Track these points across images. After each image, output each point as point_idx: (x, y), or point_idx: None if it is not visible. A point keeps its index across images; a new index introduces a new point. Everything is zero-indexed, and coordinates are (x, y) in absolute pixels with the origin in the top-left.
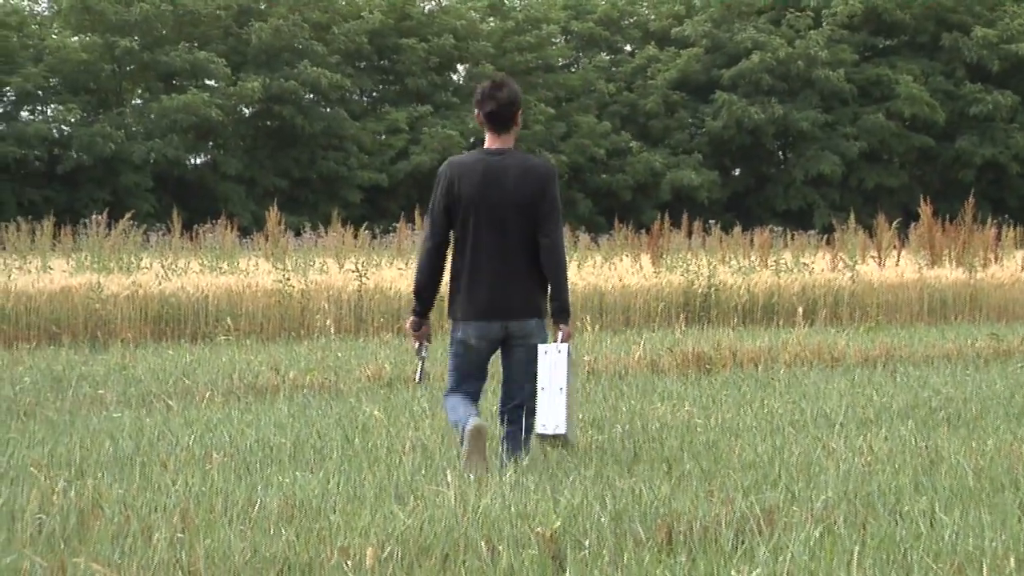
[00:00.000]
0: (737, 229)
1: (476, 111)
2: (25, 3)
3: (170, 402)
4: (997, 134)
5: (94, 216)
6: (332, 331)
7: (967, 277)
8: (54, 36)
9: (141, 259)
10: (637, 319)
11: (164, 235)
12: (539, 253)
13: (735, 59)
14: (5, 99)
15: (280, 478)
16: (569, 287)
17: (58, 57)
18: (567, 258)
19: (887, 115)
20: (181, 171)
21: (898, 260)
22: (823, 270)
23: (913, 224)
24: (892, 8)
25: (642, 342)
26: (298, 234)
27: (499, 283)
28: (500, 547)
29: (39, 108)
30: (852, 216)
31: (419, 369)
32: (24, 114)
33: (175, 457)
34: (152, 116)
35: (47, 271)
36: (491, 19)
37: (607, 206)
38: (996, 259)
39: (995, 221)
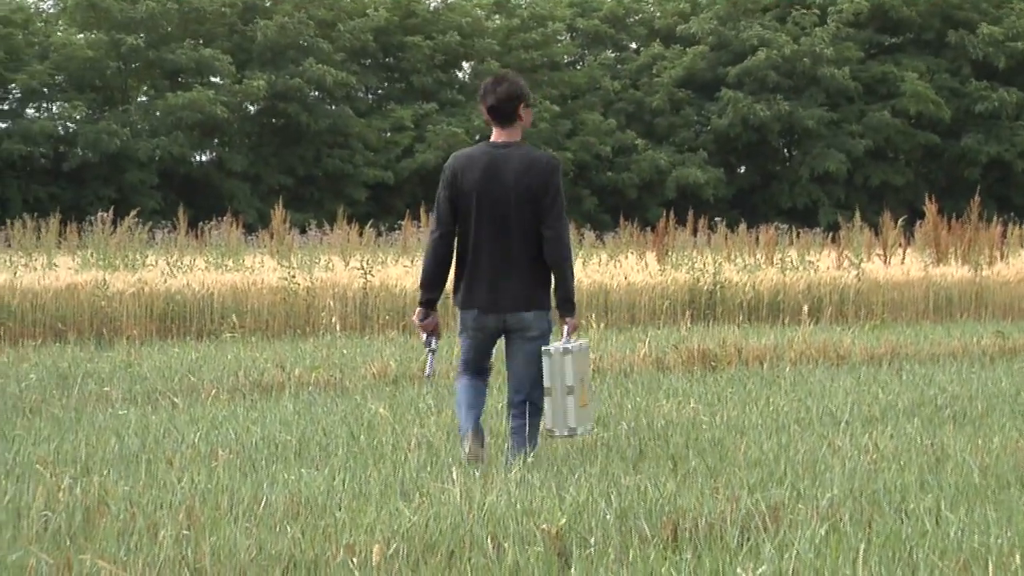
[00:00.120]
0: (742, 227)
1: (481, 106)
2: (31, 0)
3: (176, 399)
4: (1003, 131)
5: (100, 213)
6: (337, 328)
7: (973, 275)
8: (59, 33)
9: (147, 256)
10: (642, 317)
11: (169, 232)
12: (543, 246)
13: (741, 56)
14: (11, 96)
15: (286, 475)
16: (575, 280)
17: (63, 54)
18: (572, 252)
19: (893, 113)
20: (186, 168)
21: (903, 258)
22: (828, 268)
23: (918, 222)
24: (898, 5)
25: (647, 340)
26: (303, 231)
27: (498, 275)
28: (506, 544)
29: (44, 105)
30: (857, 214)
31: (427, 362)
32: (30, 111)
33: (181, 454)
34: (157, 113)
35: (53, 268)
36: (496, 16)
37: (612, 204)
38: (1002, 257)
39: (1001, 219)
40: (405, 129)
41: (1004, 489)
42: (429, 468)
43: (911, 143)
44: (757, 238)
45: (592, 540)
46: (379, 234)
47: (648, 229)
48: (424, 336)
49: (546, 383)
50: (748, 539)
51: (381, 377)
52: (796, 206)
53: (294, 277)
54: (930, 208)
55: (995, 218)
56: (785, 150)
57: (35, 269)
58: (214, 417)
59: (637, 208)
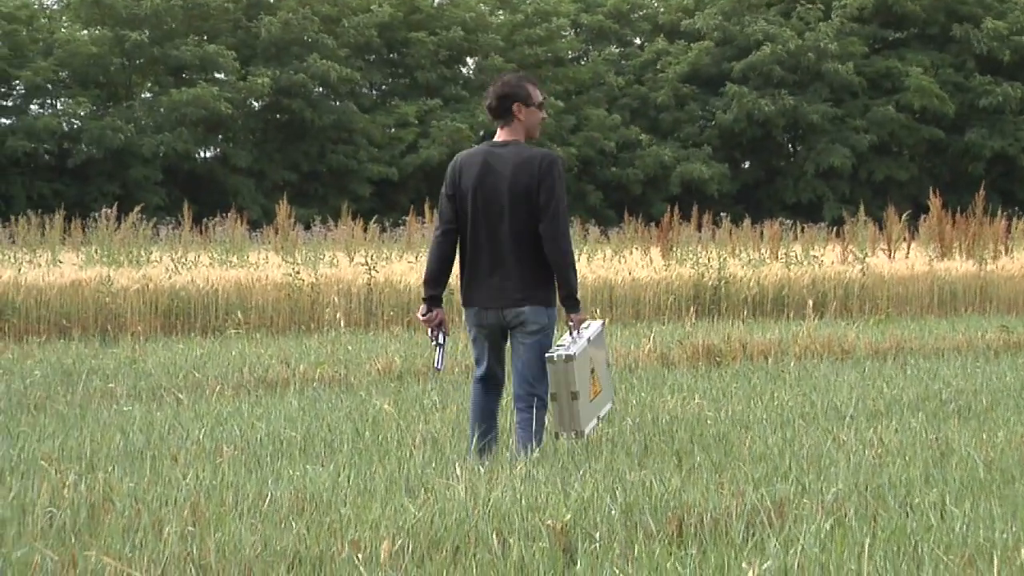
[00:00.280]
0: (747, 222)
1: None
2: None
3: (180, 396)
4: (1007, 126)
5: (104, 210)
6: (342, 324)
7: (977, 269)
8: (64, 30)
9: (151, 253)
10: (647, 312)
11: (174, 229)
12: (541, 243)
13: (745, 52)
14: (15, 93)
15: (290, 471)
16: (577, 275)
17: (68, 51)
18: (573, 247)
19: (897, 107)
20: (191, 165)
21: (908, 252)
22: (833, 263)
23: (923, 216)
24: (902, 0)
25: (652, 335)
26: (307, 227)
27: (495, 273)
28: (511, 540)
29: (49, 102)
30: (862, 209)
31: (436, 357)
32: (34, 108)
33: (185, 451)
34: (162, 110)
35: (57, 265)
36: (500, 12)
37: (617, 199)
38: (1006, 251)
39: (1005, 213)
40: (409, 125)
41: (1009, 483)
42: (434, 464)
43: (915, 138)
44: (761, 233)
45: (597, 536)
46: (383, 230)
47: (653, 224)
48: (429, 332)
49: (551, 389)
50: (753, 534)
51: (386, 373)
52: (800, 201)
53: (298, 273)
54: (934, 203)
55: (999, 212)
56: (789, 145)
57: (39, 266)
58: (219, 413)
59: (642, 203)
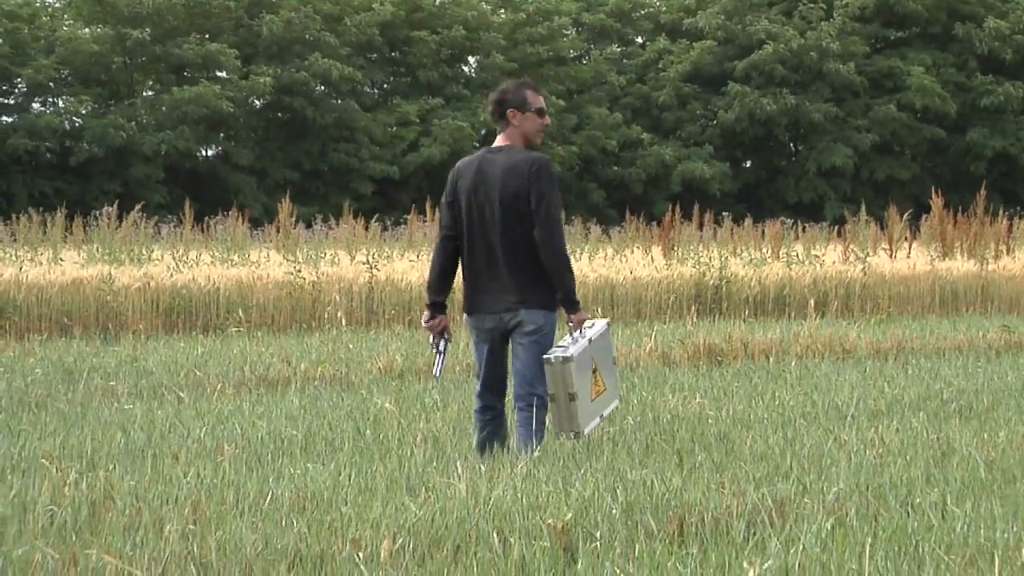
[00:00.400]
0: (748, 221)
1: None
2: None
3: (181, 394)
4: (1008, 126)
5: (105, 208)
6: (343, 323)
7: (978, 269)
8: (65, 28)
9: (152, 251)
10: (648, 311)
11: (175, 227)
12: (536, 247)
13: (747, 51)
14: (17, 91)
15: (292, 470)
16: (574, 276)
17: (69, 49)
18: (567, 248)
19: (898, 107)
20: (192, 163)
21: (909, 252)
22: (835, 262)
23: (924, 216)
24: None
25: (653, 334)
26: (309, 226)
27: (489, 278)
28: (512, 539)
29: (50, 100)
30: (863, 208)
31: (436, 364)
32: (35, 106)
33: (186, 449)
34: (163, 108)
35: (58, 263)
36: (502, 11)
37: (618, 198)
38: (1008, 251)
39: (1007, 213)
40: (411, 124)
41: (1010, 483)
42: (435, 463)
43: (917, 137)
44: (763, 232)
45: (598, 535)
46: (385, 228)
47: (654, 223)
48: (431, 338)
49: (549, 390)
50: (754, 533)
51: (387, 372)
52: (802, 200)
53: (300, 272)
54: (936, 202)
55: (1001, 212)
56: (791, 144)
57: (41, 264)
58: (220, 412)
59: (643, 202)
